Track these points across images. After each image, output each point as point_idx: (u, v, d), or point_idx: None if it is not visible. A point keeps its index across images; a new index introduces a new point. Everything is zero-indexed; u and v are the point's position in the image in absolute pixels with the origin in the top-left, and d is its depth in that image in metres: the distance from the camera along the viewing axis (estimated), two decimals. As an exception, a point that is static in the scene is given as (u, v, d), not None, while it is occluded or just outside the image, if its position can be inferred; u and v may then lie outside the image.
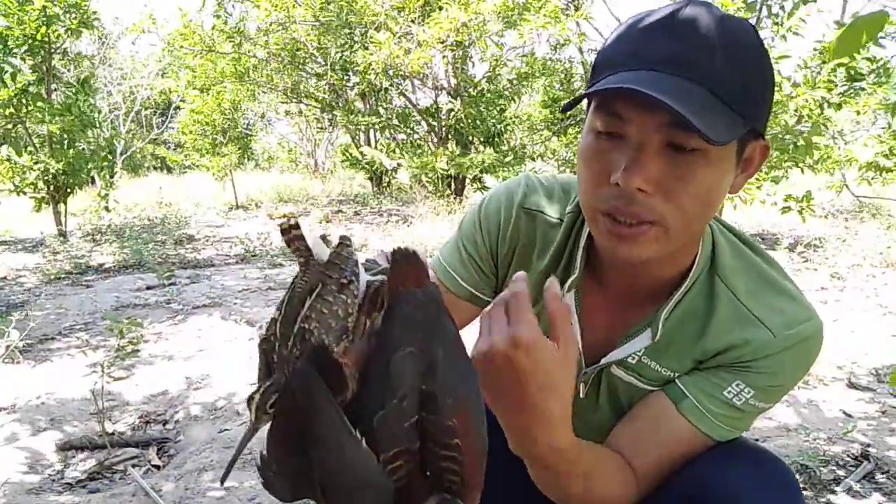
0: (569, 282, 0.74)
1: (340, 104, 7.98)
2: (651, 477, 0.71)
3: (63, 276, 4.04)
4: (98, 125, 5.65)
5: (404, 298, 0.49)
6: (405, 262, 0.50)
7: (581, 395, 0.80)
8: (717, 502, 0.63)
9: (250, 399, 0.48)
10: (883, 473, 1.54)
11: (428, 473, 0.48)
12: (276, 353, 0.50)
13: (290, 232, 0.51)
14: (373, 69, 6.11)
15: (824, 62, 3.93)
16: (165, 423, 1.96)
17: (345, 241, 0.51)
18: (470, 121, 7.13)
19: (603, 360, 0.75)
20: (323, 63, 7.54)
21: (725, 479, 0.65)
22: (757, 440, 1.72)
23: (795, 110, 4.00)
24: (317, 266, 0.51)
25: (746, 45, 0.58)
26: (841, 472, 1.54)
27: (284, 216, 7.20)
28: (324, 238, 0.53)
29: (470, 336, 0.53)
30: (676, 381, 0.72)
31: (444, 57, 6.73)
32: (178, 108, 11.61)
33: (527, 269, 0.74)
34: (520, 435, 0.59)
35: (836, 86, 3.81)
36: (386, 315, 0.50)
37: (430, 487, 0.48)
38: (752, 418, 0.72)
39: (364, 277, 0.52)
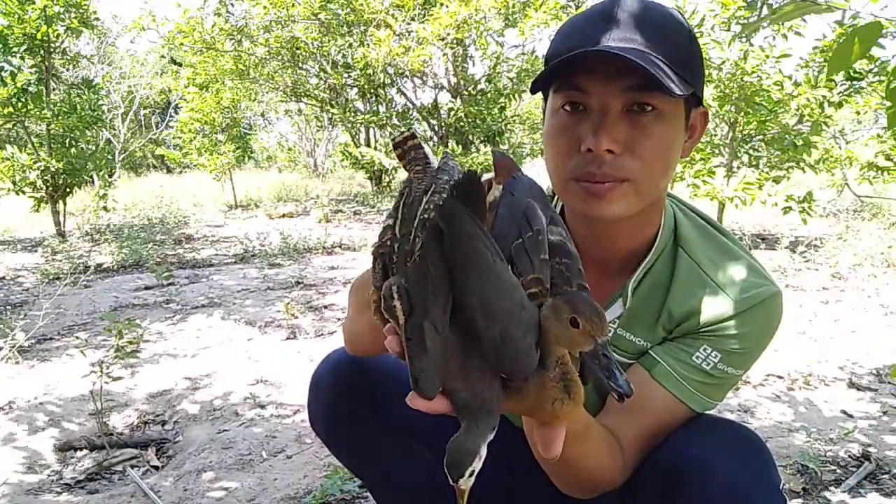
0: None
1: (340, 103, 7.97)
2: (635, 449, 0.73)
3: (62, 275, 4.04)
4: (104, 124, 5.65)
5: (518, 179, 0.56)
6: (503, 159, 0.58)
7: None
8: (694, 472, 0.66)
9: (380, 297, 0.50)
10: (884, 474, 1.53)
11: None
12: (396, 254, 0.51)
13: (407, 143, 0.57)
14: (371, 66, 6.10)
15: (825, 61, 3.91)
16: (164, 423, 1.95)
17: (447, 154, 0.58)
18: (470, 119, 7.12)
19: None
20: (323, 61, 7.53)
21: (702, 450, 0.68)
22: (758, 440, 1.72)
23: (797, 109, 4.00)
24: (429, 172, 0.56)
25: (678, 25, 0.67)
26: (841, 473, 1.53)
27: (284, 216, 7.19)
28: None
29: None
30: (650, 351, 0.76)
31: (444, 55, 6.72)
32: (177, 107, 11.60)
33: None
34: None
35: (836, 85, 3.81)
36: (503, 192, 0.55)
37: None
38: (725, 387, 0.75)
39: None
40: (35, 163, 5.14)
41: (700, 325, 0.73)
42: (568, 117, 0.67)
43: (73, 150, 5.44)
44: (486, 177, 0.56)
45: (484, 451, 0.48)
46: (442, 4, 5.95)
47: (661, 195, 0.74)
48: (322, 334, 2.80)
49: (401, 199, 0.55)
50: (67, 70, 7.11)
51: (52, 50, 5.28)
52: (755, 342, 0.74)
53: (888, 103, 0.72)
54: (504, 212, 0.53)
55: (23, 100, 4.99)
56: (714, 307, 0.73)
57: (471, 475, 0.49)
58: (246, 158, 9.61)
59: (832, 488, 1.46)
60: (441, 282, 0.47)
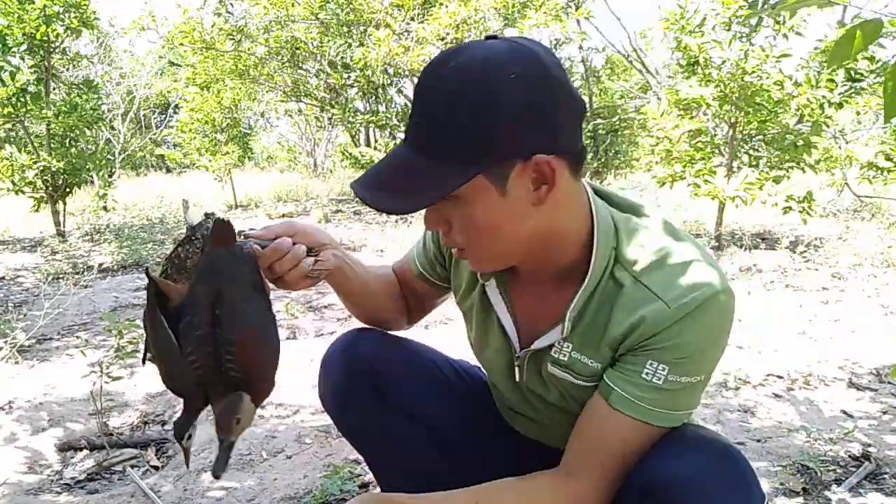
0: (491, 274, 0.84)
1: (339, 103, 7.97)
2: (610, 478, 0.72)
3: (62, 275, 4.03)
4: (104, 124, 5.65)
5: (215, 252, 0.71)
6: (220, 228, 0.71)
7: (519, 379, 0.86)
8: (669, 488, 0.66)
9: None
10: (884, 473, 1.53)
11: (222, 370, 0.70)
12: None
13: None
14: (370, 66, 6.10)
15: (825, 61, 3.92)
16: (164, 423, 1.95)
17: (207, 215, 0.74)
18: (470, 120, 7.09)
19: (522, 351, 0.83)
20: (323, 61, 7.53)
21: (676, 465, 0.67)
22: (758, 440, 1.72)
23: (797, 109, 4.00)
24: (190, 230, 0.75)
25: (478, 90, 0.62)
26: (842, 472, 1.53)
27: (283, 216, 7.19)
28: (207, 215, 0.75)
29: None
30: (604, 376, 0.74)
31: (444, 56, 6.70)
32: (177, 107, 11.60)
33: (457, 267, 0.92)
34: None
35: (837, 85, 3.81)
36: (202, 262, 0.71)
37: (226, 384, 0.70)
38: (689, 394, 0.72)
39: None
40: (35, 163, 5.14)
41: (640, 340, 0.71)
42: None
43: (72, 150, 5.44)
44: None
45: (196, 424, 0.72)
46: (441, 4, 5.95)
47: (517, 248, 0.72)
48: (322, 334, 2.80)
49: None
50: (67, 70, 7.11)
51: (51, 50, 5.28)
52: (703, 346, 0.70)
53: (888, 90, 0.71)
54: (196, 284, 0.71)
55: (22, 100, 4.98)
56: (652, 319, 0.70)
57: (189, 438, 0.71)
58: (247, 159, 9.62)
59: (833, 488, 1.46)
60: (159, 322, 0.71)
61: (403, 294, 1.02)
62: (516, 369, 0.85)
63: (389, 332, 1.02)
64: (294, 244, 0.79)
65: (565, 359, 0.78)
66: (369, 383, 0.94)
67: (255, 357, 0.71)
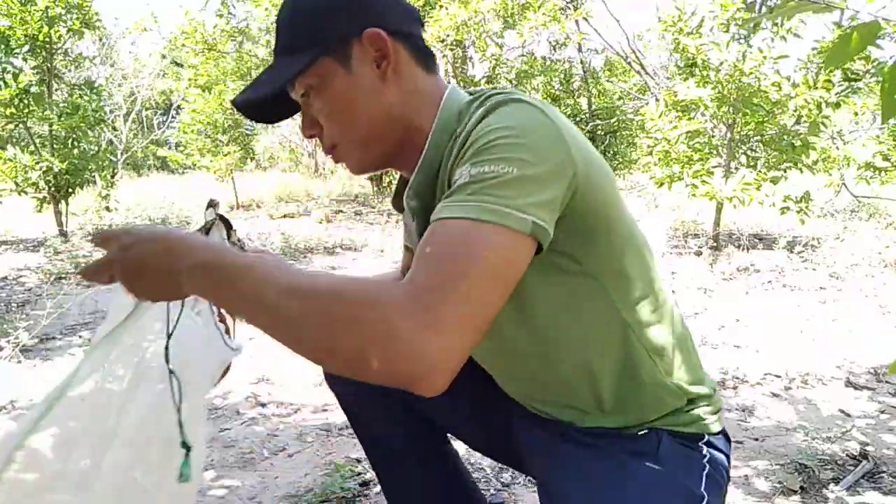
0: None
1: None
2: (432, 276, 0.54)
3: (64, 275, 4.05)
4: (106, 125, 5.66)
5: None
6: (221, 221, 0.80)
7: None
8: None
9: None
10: (882, 472, 1.54)
11: None
12: None
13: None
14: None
15: (823, 62, 3.93)
16: (167, 422, 1.97)
17: (215, 209, 0.80)
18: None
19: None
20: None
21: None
22: (756, 439, 1.73)
23: (794, 110, 4.01)
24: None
25: (285, 11, 0.74)
26: (840, 471, 1.55)
27: (285, 216, 7.20)
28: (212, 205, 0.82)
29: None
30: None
31: (443, 56, 6.73)
32: (179, 108, 11.61)
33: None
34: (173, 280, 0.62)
35: (834, 86, 3.82)
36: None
37: None
38: (505, 186, 0.59)
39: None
40: (37, 163, 5.16)
41: (453, 165, 0.67)
42: None
43: (75, 150, 5.46)
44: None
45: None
46: (441, 6, 5.97)
47: (376, 133, 0.73)
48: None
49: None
50: (70, 71, 7.13)
51: (54, 51, 5.30)
52: (502, 136, 0.62)
53: (886, 90, 0.71)
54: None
55: (25, 100, 5.00)
56: (457, 138, 0.68)
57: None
58: (249, 160, 9.62)
59: (830, 486, 1.47)
60: None
61: None
62: None
63: None
64: None
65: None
66: None
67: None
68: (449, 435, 1.08)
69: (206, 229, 0.78)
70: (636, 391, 0.75)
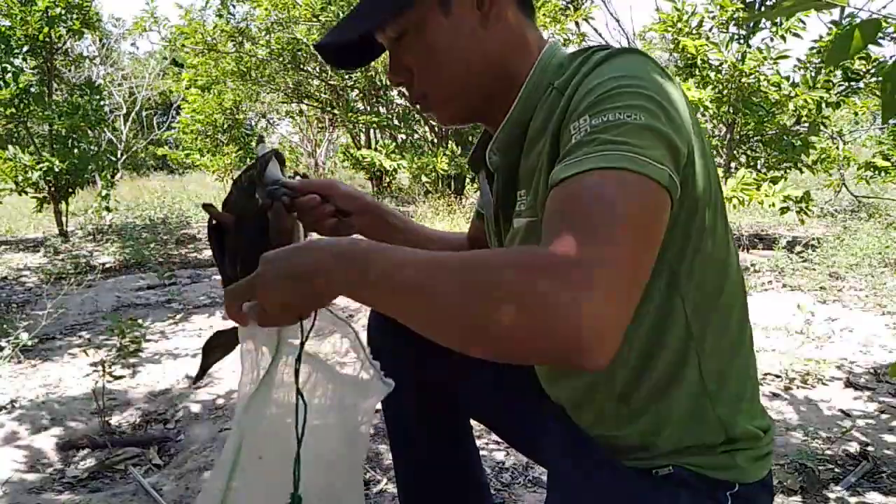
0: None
1: (341, 104, 7.99)
2: (580, 240, 0.48)
3: (64, 275, 4.05)
4: (106, 125, 5.67)
5: (248, 182, 0.77)
6: (274, 156, 0.76)
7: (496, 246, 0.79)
8: None
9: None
10: (882, 472, 1.54)
11: None
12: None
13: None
14: (372, 68, 6.11)
15: (823, 62, 3.93)
16: (166, 422, 1.96)
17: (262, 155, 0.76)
18: (470, 120, 7.12)
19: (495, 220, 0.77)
20: (324, 62, 7.54)
21: None
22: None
23: (794, 110, 4.01)
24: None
25: None
26: (840, 471, 1.54)
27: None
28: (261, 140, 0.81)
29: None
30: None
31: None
32: (178, 108, 11.63)
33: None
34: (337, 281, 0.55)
35: (834, 85, 3.82)
36: (235, 190, 0.77)
37: None
38: (625, 135, 0.53)
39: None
40: (37, 163, 5.16)
41: (559, 125, 0.61)
42: None
43: (75, 150, 5.46)
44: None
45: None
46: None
47: (471, 86, 0.69)
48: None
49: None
50: (70, 71, 7.14)
51: (54, 51, 5.30)
52: (619, 85, 0.56)
53: (886, 90, 0.70)
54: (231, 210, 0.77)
55: (25, 100, 5.01)
56: (564, 100, 0.61)
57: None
58: (248, 159, 9.63)
59: (831, 486, 1.47)
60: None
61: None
62: (493, 238, 0.79)
63: None
64: (324, 203, 0.80)
65: (523, 208, 0.68)
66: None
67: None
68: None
69: (266, 162, 0.73)
70: (669, 404, 0.66)
